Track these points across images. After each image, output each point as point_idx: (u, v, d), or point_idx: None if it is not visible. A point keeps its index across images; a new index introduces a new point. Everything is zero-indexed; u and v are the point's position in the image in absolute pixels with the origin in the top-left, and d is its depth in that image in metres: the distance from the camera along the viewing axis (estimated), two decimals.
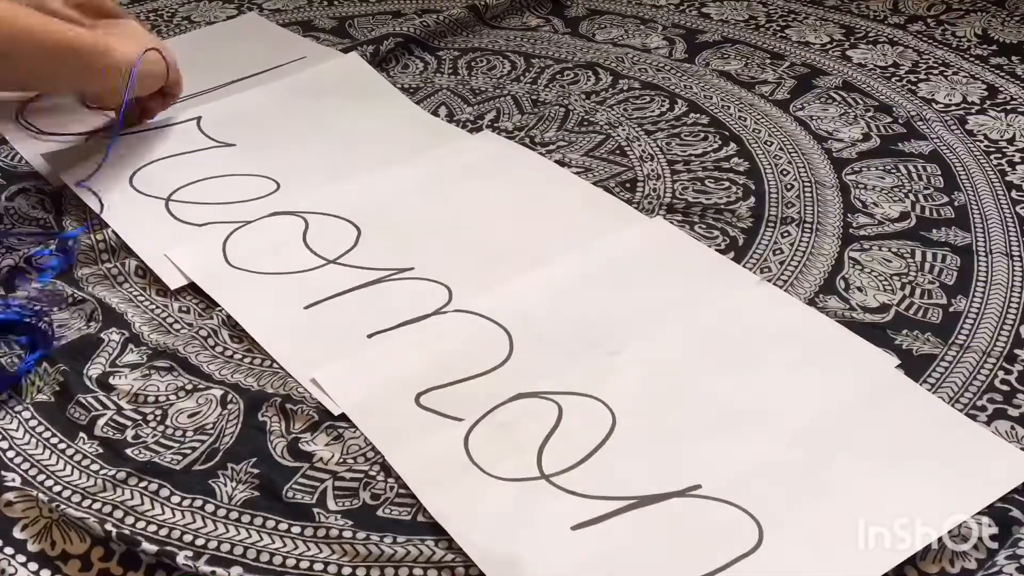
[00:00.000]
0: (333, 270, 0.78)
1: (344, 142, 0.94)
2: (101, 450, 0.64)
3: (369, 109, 1.00)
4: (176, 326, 0.74)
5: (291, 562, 0.58)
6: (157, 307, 0.76)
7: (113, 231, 0.82)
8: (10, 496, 0.60)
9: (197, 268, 0.78)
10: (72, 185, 0.86)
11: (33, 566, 0.57)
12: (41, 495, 0.61)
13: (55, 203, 0.87)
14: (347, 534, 0.59)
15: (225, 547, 0.58)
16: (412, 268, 0.78)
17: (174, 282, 0.78)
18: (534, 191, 0.88)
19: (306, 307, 0.75)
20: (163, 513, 0.60)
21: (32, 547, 0.58)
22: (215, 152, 0.92)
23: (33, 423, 0.66)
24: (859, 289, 0.78)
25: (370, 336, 0.72)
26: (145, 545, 0.57)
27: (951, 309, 0.76)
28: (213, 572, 0.56)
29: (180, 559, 0.57)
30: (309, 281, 0.77)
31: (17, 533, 0.59)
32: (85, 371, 0.70)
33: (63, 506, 0.60)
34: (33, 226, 0.84)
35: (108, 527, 0.58)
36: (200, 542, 0.58)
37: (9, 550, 0.58)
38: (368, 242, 0.81)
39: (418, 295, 0.76)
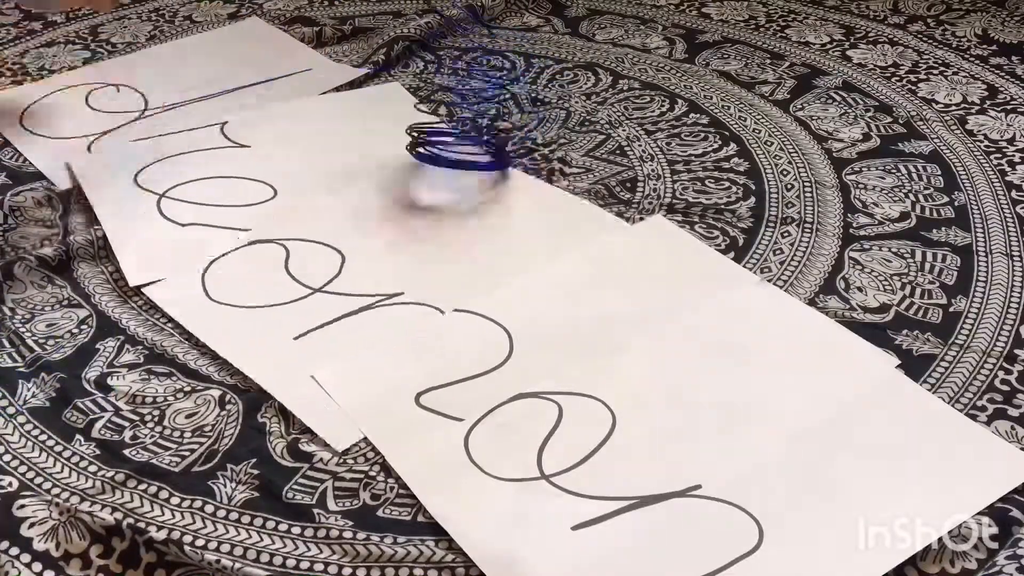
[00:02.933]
0: (319, 299, 0.76)
1: (350, 153, 0.94)
2: (99, 452, 0.64)
3: (392, 132, 0.99)
4: (171, 326, 0.74)
5: (291, 562, 0.58)
6: (152, 307, 0.76)
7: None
8: (21, 500, 0.61)
9: (176, 304, 0.76)
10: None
11: (37, 567, 0.57)
12: (48, 494, 0.61)
13: (62, 203, 0.87)
14: (347, 534, 0.59)
15: (225, 547, 0.58)
16: (402, 293, 0.76)
17: (134, 279, 0.78)
18: (524, 208, 0.86)
19: (296, 338, 0.73)
20: (163, 515, 0.60)
21: (38, 546, 0.58)
22: (226, 152, 0.92)
23: (28, 427, 0.66)
24: (859, 289, 0.78)
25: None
26: (153, 533, 0.57)
27: (951, 309, 0.76)
28: (218, 560, 0.57)
29: (187, 548, 0.57)
30: (295, 312, 0.75)
31: (24, 531, 0.59)
32: (83, 375, 0.70)
33: (72, 503, 0.60)
34: (39, 226, 0.84)
35: (118, 516, 0.59)
36: (200, 543, 0.58)
37: (15, 550, 0.58)
38: (353, 268, 0.79)
39: (411, 319, 0.74)
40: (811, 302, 0.76)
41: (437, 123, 0.77)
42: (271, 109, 0.99)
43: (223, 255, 0.80)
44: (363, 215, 0.85)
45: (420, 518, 0.60)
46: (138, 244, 0.81)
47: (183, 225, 0.83)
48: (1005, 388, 0.69)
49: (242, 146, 0.93)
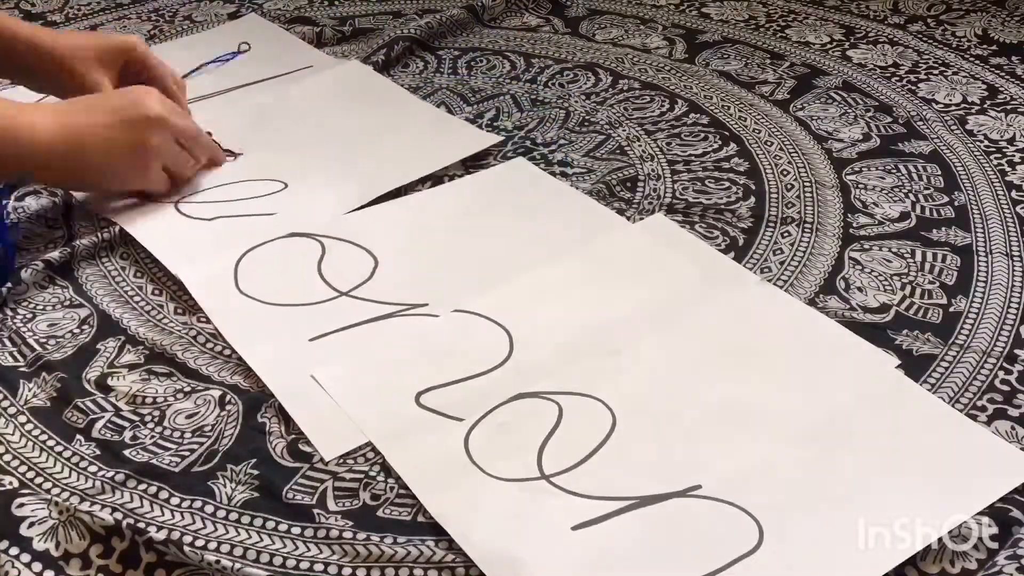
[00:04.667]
0: (345, 302, 0.76)
1: (350, 144, 0.94)
2: (99, 452, 0.64)
3: (377, 112, 0.99)
4: (172, 326, 0.74)
5: (291, 563, 0.58)
6: (153, 308, 0.76)
7: (117, 230, 0.83)
8: (22, 500, 0.61)
9: (207, 293, 0.76)
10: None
11: (37, 566, 0.57)
12: (47, 494, 0.61)
13: (64, 203, 0.87)
14: (347, 535, 0.59)
15: (225, 548, 0.58)
16: (426, 304, 0.75)
17: (173, 266, 0.78)
18: (556, 215, 0.86)
19: (311, 339, 0.72)
20: (163, 515, 0.60)
21: (38, 546, 0.58)
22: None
23: (29, 427, 0.66)
24: (859, 289, 0.78)
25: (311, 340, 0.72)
26: (153, 533, 0.57)
27: (951, 309, 0.76)
28: (218, 560, 0.57)
29: (186, 549, 0.57)
30: (318, 313, 0.75)
31: (24, 531, 0.59)
32: (84, 375, 0.70)
33: (71, 502, 0.60)
34: (40, 224, 0.84)
35: (117, 516, 0.59)
36: (200, 543, 0.58)
37: (14, 550, 0.58)
38: (384, 274, 0.78)
39: (411, 319, 0.74)
40: (811, 302, 0.76)
41: None
42: (246, 110, 0.99)
43: (260, 244, 0.81)
44: (393, 216, 0.85)
45: (420, 518, 0.60)
46: (167, 239, 0.81)
47: (209, 220, 0.84)
48: (1005, 388, 0.69)
49: (236, 154, 0.93)
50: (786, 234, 0.84)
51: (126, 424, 0.66)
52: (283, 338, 0.73)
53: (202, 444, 0.65)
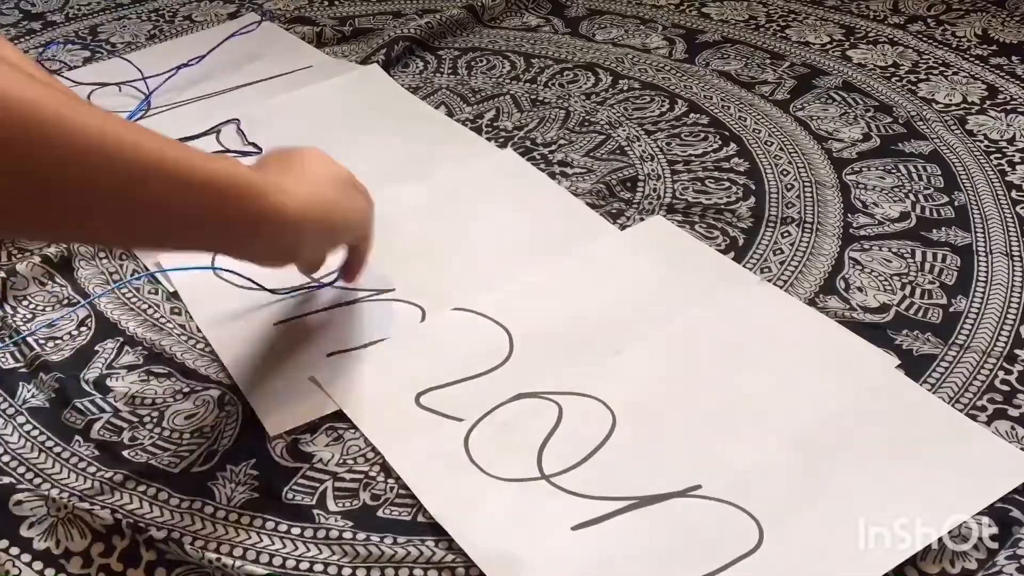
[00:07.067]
0: (320, 291, 0.76)
1: (355, 151, 0.94)
2: (98, 452, 0.64)
3: (385, 120, 0.99)
4: (170, 326, 0.74)
5: (291, 563, 0.58)
6: (151, 308, 0.76)
7: None
8: (20, 496, 0.61)
9: (185, 281, 0.77)
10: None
11: (38, 565, 0.57)
12: (47, 493, 0.61)
13: None
14: (347, 535, 0.59)
15: (225, 548, 0.58)
16: (393, 290, 0.76)
17: (172, 285, 0.78)
18: (536, 209, 0.86)
19: (276, 324, 0.73)
20: (162, 516, 0.60)
21: (38, 545, 0.58)
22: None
23: (28, 427, 0.66)
24: (859, 289, 0.78)
25: (329, 355, 0.71)
26: (154, 532, 0.57)
27: (951, 309, 0.76)
28: (219, 559, 0.57)
29: (187, 547, 0.57)
30: (287, 300, 0.75)
31: (24, 531, 0.59)
32: (82, 376, 0.70)
33: (70, 502, 0.60)
34: None
35: (117, 516, 0.59)
36: (199, 544, 0.58)
37: (15, 550, 0.58)
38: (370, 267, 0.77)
39: (409, 319, 0.74)
40: (811, 302, 0.76)
41: None
42: (271, 105, 0.99)
43: None
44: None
45: (420, 518, 0.60)
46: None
47: None
48: (1005, 388, 0.69)
49: (258, 148, 0.92)
50: (786, 234, 0.84)
51: (125, 425, 0.66)
52: (249, 323, 0.73)
53: (201, 444, 0.65)
